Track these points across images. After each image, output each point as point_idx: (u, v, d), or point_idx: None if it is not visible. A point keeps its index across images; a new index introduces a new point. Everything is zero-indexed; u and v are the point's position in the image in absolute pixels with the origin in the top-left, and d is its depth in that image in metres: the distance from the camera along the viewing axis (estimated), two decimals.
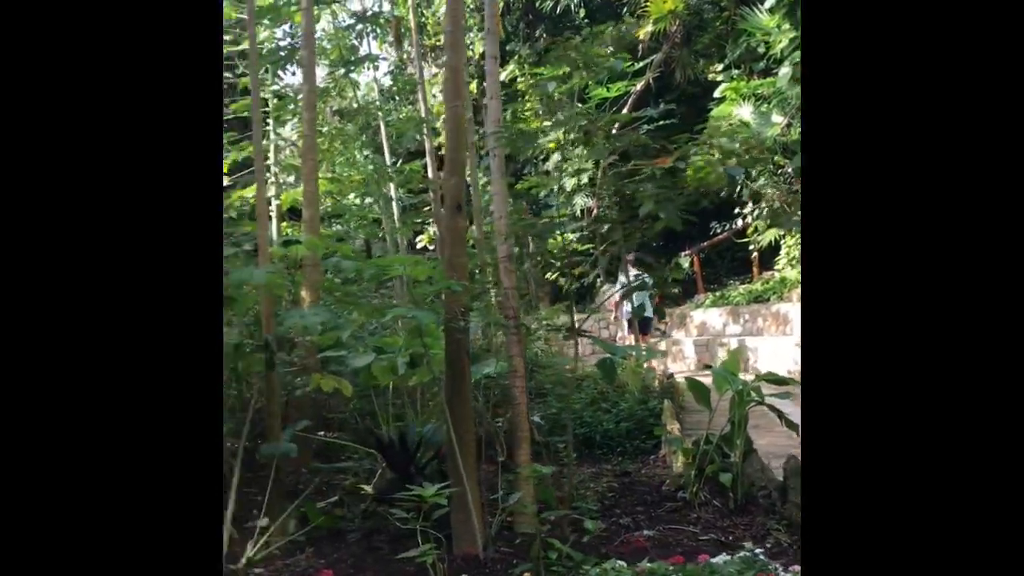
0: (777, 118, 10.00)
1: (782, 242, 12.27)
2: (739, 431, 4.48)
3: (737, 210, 12.42)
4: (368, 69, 10.73)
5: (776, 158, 10.47)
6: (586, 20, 15.32)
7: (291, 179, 11.63)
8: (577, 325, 4.19)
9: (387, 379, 4.01)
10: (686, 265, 13.10)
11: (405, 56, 10.93)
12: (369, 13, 9.80)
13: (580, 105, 8.71)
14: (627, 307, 10.97)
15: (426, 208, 11.19)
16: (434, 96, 13.21)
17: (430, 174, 11.09)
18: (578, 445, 6.11)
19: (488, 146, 4.33)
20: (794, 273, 12.00)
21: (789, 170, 10.72)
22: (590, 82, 7.94)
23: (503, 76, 16.37)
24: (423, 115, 10.25)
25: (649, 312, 10.24)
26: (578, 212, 15.04)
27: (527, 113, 15.08)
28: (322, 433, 5.27)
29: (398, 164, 11.41)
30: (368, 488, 4.45)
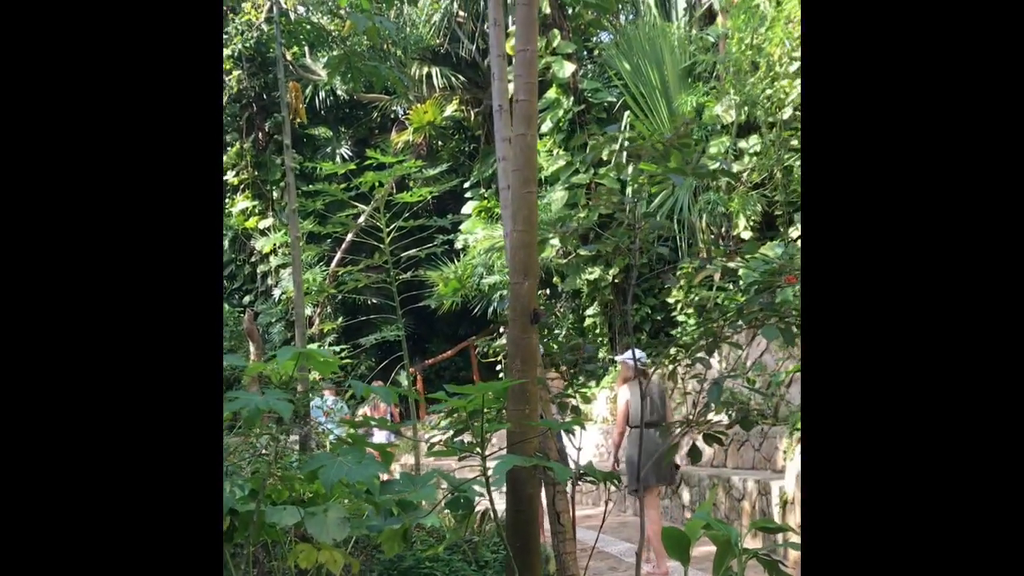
0: (554, 241, 10.13)
1: None
2: None
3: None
4: None
5: (555, 279, 10.59)
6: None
7: None
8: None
9: (398, 549, 2.92)
10: (405, 383, 12.59)
11: None
12: None
13: (361, 206, 8.09)
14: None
15: None
16: None
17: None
18: None
19: None
20: None
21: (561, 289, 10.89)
22: (380, 182, 7.42)
23: None
24: None
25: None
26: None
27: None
28: None
29: None
30: None
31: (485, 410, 2.87)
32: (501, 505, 3.04)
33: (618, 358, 6.02)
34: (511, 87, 4.56)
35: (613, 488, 5.33)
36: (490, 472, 2.71)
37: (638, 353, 5.91)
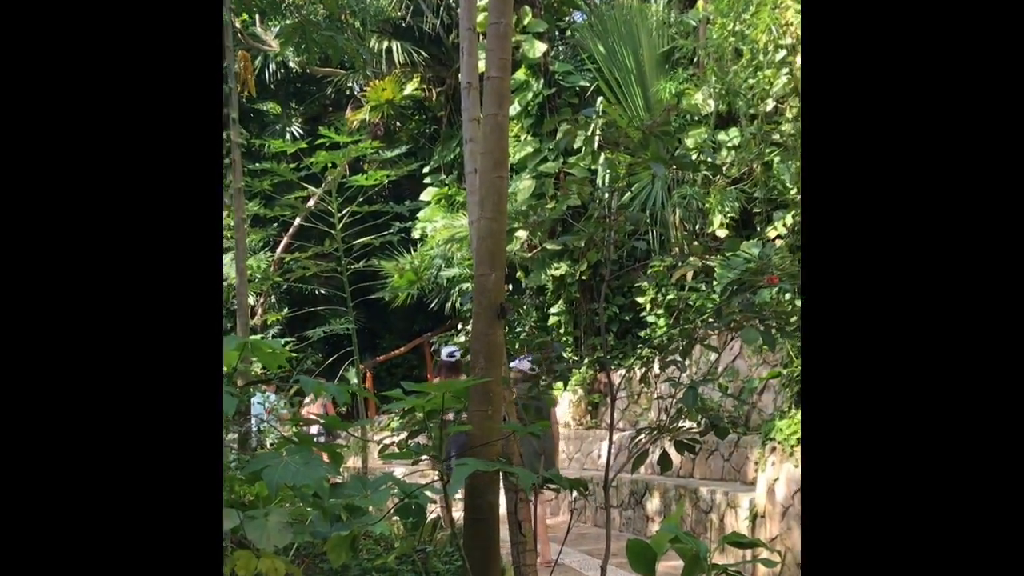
0: (520, 233, 10.02)
1: None
2: None
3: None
4: None
5: (519, 274, 10.49)
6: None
7: None
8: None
9: (345, 558, 2.80)
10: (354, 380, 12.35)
11: None
12: None
13: (312, 188, 7.95)
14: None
15: None
16: None
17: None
18: None
19: None
20: None
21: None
22: (333, 163, 7.30)
23: None
24: None
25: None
26: None
27: None
28: None
29: None
30: None
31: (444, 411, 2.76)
32: (456, 513, 2.91)
33: (512, 364, 6.34)
34: (481, 64, 4.40)
35: (577, 497, 5.23)
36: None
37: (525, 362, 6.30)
